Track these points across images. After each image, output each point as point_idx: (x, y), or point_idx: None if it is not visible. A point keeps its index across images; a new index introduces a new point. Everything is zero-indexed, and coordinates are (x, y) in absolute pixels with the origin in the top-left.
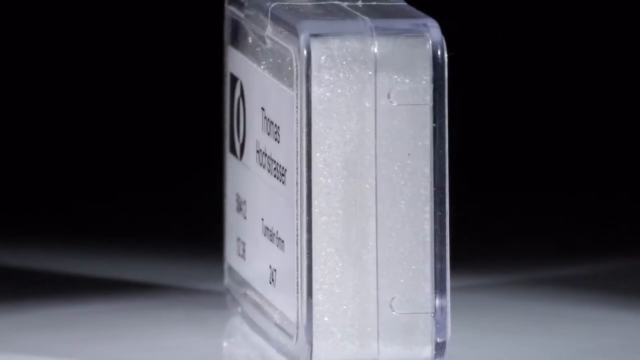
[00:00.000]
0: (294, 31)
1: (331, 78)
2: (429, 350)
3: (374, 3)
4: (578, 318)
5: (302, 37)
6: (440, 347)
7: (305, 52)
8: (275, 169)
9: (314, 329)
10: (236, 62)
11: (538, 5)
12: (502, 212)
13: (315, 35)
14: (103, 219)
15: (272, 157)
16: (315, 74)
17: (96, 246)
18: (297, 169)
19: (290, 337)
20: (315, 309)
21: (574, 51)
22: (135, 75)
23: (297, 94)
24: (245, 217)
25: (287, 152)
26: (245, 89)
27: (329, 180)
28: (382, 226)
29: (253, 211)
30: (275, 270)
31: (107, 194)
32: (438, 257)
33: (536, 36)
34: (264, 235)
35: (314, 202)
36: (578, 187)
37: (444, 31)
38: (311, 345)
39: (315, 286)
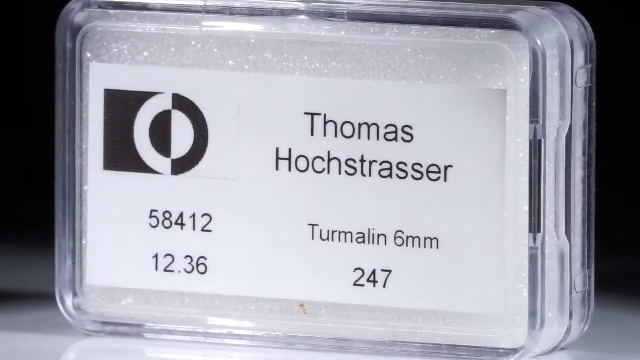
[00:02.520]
0: (507, 25)
1: (549, 66)
2: (583, 324)
3: None
4: None
5: (529, 32)
6: (590, 319)
7: (538, 46)
8: (391, 168)
9: (536, 317)
10: (149, 75)
11: None
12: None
13: (533, 26)
14: None
15: (382, 157)
16: (537, 65)
17: None
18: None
19: (491, 325)
20: (537, 299)
21: None
22: None
23: (512, 88)
24: (209, 231)
25: (442, 149)
26: (198, 101)
27: (545, 170)
28: (574, 209)
29: (266, 220)
30: (383, 270)
31: None
32: (591, 233)
33: None
34: (321, 239)
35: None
36: None
37: None
38: (537, 333)
39: (538, 277)
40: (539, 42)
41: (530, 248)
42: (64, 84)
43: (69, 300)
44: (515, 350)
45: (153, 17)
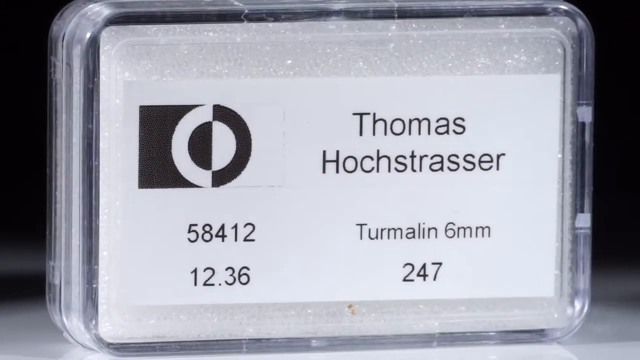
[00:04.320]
0: (556, 12)
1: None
2: None
3: None
4: None
5: (576, 16)
6: None
7: (588, 30)
8: (442, 161)
9: (585, 296)
10: (186, 88)
11: None
12: None
13: (579, 12)
14: None
15: (432, 151)
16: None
17: None
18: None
19: (542, 307)
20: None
21: None
22: None
23: (564, 73)
24: (251, 240)
25: (495, 138)
26: (240, 110)
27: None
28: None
29: (313, 223)
30: (433, 263)
31: None
32: None
33: None
34: (369, 238)
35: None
36: None
37: None
38: (585, 313)
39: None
40: (587, 27)
41: (578, 228)
42: (88, 102)
43: (91, 326)
44: (567, 330)
45: (186, 30)
